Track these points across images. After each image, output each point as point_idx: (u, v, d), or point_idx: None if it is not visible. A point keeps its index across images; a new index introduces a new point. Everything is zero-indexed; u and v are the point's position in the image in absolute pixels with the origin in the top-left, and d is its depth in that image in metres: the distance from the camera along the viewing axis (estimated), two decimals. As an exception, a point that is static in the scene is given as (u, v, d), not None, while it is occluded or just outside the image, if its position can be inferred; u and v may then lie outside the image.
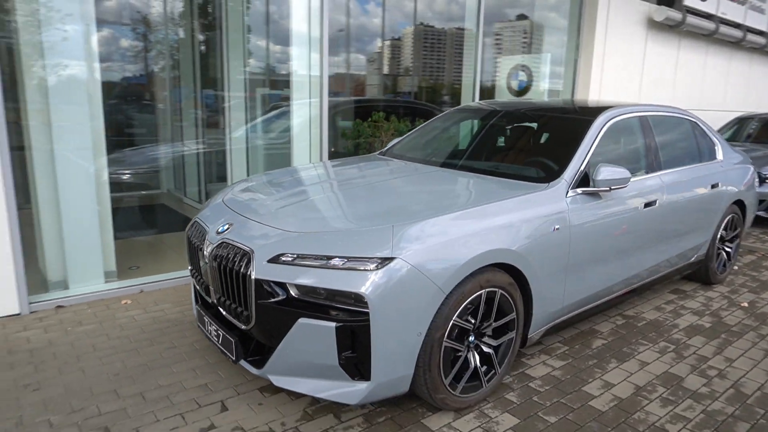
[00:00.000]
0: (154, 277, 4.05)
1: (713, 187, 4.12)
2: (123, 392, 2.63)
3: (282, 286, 2.25)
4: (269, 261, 2.28)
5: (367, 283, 2.14)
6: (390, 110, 5.98)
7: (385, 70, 6.80)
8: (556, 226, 2.78)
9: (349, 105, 6.22)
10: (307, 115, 4.79)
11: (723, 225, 4.38)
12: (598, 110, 3.45)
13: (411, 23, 6.59)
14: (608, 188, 3.00)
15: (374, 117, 5.80)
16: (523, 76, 7.01)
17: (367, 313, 2.15)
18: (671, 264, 3.92)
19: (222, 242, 2.51)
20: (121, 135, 6.18)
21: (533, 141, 3.60)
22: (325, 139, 4.76)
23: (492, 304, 2.55)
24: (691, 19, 7.73)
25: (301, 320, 2.20)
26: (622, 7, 7.07)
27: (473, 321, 2.52)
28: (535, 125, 3.70)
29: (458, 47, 6.49)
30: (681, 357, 3.22)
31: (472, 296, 2.43)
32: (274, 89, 5.69)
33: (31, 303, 3.49)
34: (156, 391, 2.64)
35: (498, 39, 7.27)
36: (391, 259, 2.19)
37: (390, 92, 6.92)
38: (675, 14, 7.51)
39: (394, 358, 2.24)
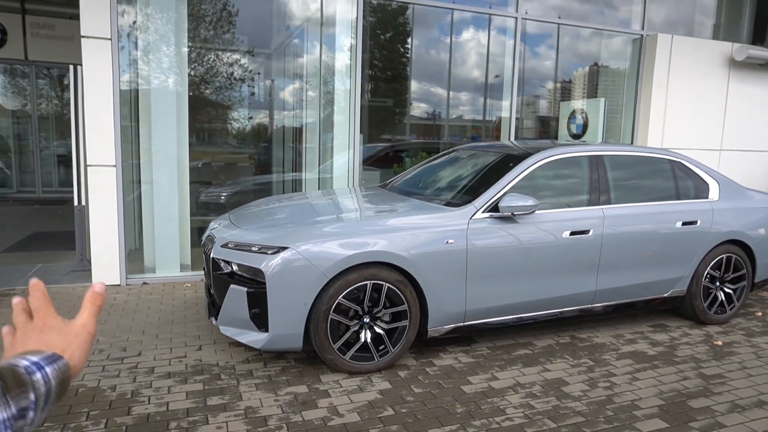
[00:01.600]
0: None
1: (687, 224, 4.24)
2: (148, 332, 3.95)
3: (226, 262, 3.36)
4: (221, 246, 3.42)
5: (266, 263, 3.15)
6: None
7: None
8: (450, 240, 3.46)
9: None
10: (345, 157, 5.94)
11: (711, 264, 4.38)
12: (532, 152, 4.00)
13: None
14: (510, 213, 3.58)
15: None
16: (579, 119, 7.32)
17: (265, 283, 3.14)
18: (629, 294, 4.14)
19: (208, 235, 3.72)
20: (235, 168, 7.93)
21: (476, 176, 4.24)
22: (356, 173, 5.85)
23: (380, 294, 3.34)
24: (785, 57, 7.24)
25: (232, 286, 3.27)
26: (690, 49, 7.01)
27: (366, 305, 3.33)
28: (483, 163, 4.33)
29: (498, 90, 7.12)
30: (588, 371, 3.54)
31: (358, 284, 3.26)
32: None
33: (128, 278, 5.11)
34: (166, 334, 3.91)
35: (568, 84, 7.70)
36: (285, 248, 3.18)
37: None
38: (762, 53, 7.15)
39: (285, 318, 3.18)
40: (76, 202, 5.29)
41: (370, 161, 6.83)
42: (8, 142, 10.99)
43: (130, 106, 5.22)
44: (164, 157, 5.21)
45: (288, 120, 6.48)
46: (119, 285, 5.07)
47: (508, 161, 4.04)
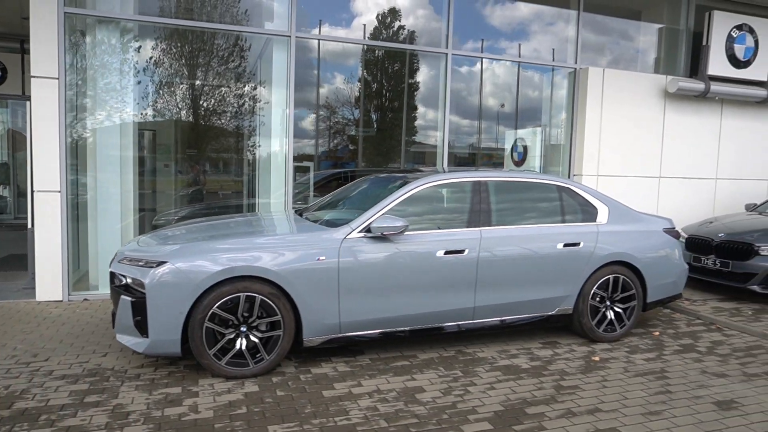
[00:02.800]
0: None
1: (569, 245, 4.51)
2: (66, 341, 4.35)
3: (120, 276, 3.77)
4: (119, 261, 3.83)
5: (147, 275, 3.55)
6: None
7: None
8: (321, 257, 3.82)
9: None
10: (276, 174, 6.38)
11: (598, 284, 4.63)
12: (414, 178, 4.36)
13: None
14: (380, 234, 3.92)
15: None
16: (520, 148, 7.67)
17: (144, 293, 3.53)
18: (512, 311, 4.40)
19: (118, 251, 4.15)
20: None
21: (364, 200, 4.59)
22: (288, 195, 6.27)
23: (253, 305, 3.69)
24: (717, 87, 7.52)
25: (122, 296, 3.67)
26: (624, 82, 7.35)
27: (243, 315, 3.68)
28: (375, 189, 4.70)
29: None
30: (452, 381, 3.80)
31: (231, 296, 3.63)
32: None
33: (70, 295, 5.55)
34: (81, 343, 4.30)
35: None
36: (164, 263, 3.57)
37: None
38: (693, 85, 7.45)
39: (163, 325, 3.55)
40: (29, 225, 5.80)
41: (319, 186, 7.28)
42: (8, 171, 11.76)
43: (78, 138, 5.75)
44: (109, 185, 5.70)
45: (231, 149, 6.97)
46: (61, 301, 5.50)
47: (393, 186, 4.40)
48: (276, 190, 6.41)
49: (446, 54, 6.72)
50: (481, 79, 7.61)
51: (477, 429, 3.13)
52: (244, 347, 3.72)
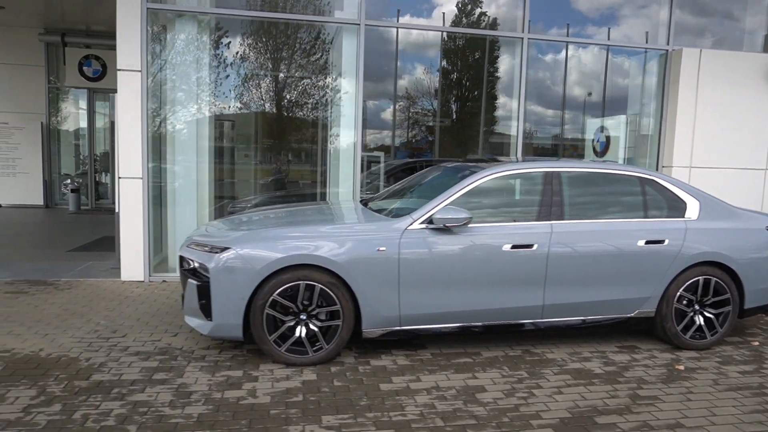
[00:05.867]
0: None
1: (652, 242, 4.12)
2: (142, 319, 4.59)
3: (188, 260, 3.90)
4: (187, 246, 3.97)
5: (211, 260, 3.63)
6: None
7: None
8: (381, 248, 3.73)
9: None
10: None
11: (685, 286, 4.20)
12: (479, 168, 4.14)
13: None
14: (443, 225, 3.77)
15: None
16: (602, 137, 7.16)
17: (209, 278, 3.63)
18: (586, 311, 4.10)
19: (186, 238, 4.30)
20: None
21: (428, 191, 4.43)
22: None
23: (313, 293, 3.68)
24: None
25: (189, 280, 3.80)
26: (722, 63, 6.63)
27: (303, 303, 3.68)
28: (440, 179, 4.52)
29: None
30: (516, 382, 3.59)
31: (291, 283, 3.64)
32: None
33: (150, 276, 5.87)
34: (155, 322, 4.53)
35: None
36: (227, 248, 3.64)
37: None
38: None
39: (226, 309, 3.63)
40: (116, 210, 6.19)
41: (390, 176, 7.24)
42: (108, 160, 12.75)
43: (159, 128, 6.05)
44: (188, 172, 5.97)
45: (305, 139, 7.06)
46: (143, 281, 5.84)
47: (460, 176, 4.22)
48: (345, 180, 6.41)
49: (522, 39, 6.37)
50: (565, 67, 7.19)
51: (540, 436, 2.92)
52: (303, 335, 3.72)
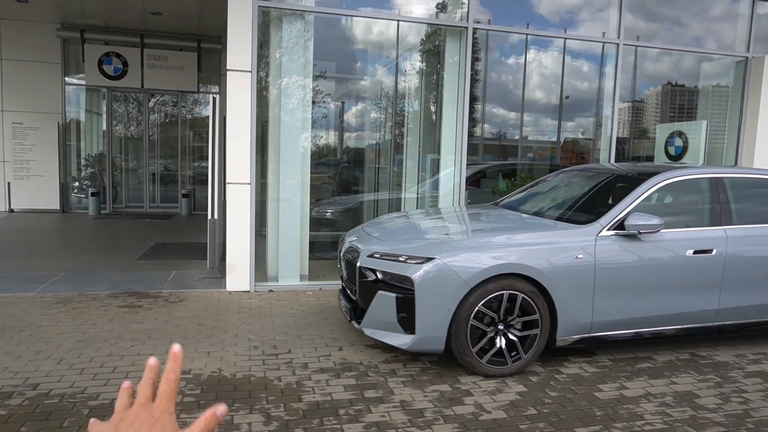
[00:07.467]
0: (331, 282, 5.89)
1: (812, 245, 4.24)
2: (289, 333, 4.38)
3: (372, 270, 3.74)
4: (368, 256, 3.80)
5: (414, 271, 3.49)
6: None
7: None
8: (579, 255, 3.69)
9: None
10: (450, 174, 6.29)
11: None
12: (651, 173, 4.16)
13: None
14: (636, 232, 3.76)
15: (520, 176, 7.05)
16: (679, 141, 7.33)
17: (413, 290, 3.48)
18: (754, 314, 4.17)
19: (350, 246, 4.12)
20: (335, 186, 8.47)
21: (592, 196, 4.43)
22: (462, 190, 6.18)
23: (515, 303, 3.60)
24: None
25: (380, 292, 3.64)
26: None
27: (501, 313, 3.60)
28: (596, 184, 4.52)
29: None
30: (716, 386, 3.62)
31: (495, 294, 3.55)
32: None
33: (255, 285, 5.62)
34: (306, 336, 4.32)
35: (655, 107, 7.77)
36: (431, 259, 3.51)
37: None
38: None
39: (430, 322, 3.50)
40: (209, 216, 5.90)
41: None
42: (119, 162, 12.14)
43: (262, 132, 5.80)
44: (290, 178, 5.74)
45: (392, 142, 6.92)
46: (248, 291, 5.58)
47: (624, 182, 4.22)
48: (446, 184, 6.32)
49: (617, 44, 6.45)
50: (634, 72, 7.33)
51: (797, 441, 2.95)
52: (503, 345, 3.63)
